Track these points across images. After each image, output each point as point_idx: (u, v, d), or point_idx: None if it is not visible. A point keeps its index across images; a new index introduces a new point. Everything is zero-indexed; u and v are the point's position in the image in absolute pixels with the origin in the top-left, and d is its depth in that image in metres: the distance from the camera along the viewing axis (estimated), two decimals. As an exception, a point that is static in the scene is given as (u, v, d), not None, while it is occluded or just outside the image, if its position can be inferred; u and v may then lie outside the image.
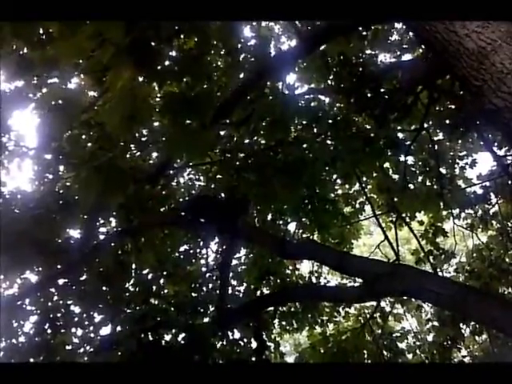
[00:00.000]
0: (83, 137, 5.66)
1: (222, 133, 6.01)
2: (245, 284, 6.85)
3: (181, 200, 6.20)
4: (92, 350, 3.90)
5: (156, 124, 5.72)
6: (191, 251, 6.69)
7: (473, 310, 3.02)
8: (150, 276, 6.16)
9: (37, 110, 4.12)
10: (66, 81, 4.39)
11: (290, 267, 7.13)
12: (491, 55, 2.36)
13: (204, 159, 5.79)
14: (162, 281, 6.25)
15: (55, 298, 5.75)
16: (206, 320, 4.69)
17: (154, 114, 4.03)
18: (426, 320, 6.85)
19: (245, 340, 6.17)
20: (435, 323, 6.62)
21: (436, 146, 6.65)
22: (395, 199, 6.66)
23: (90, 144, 5.58)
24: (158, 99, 4.43)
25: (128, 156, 5.80)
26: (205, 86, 3.87)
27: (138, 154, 6.07)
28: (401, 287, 3.29)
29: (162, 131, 4.80)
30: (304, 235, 6.67)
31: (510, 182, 6.59)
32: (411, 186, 6.73)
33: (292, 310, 6.74)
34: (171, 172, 6.28)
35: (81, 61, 3.32)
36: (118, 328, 4.35)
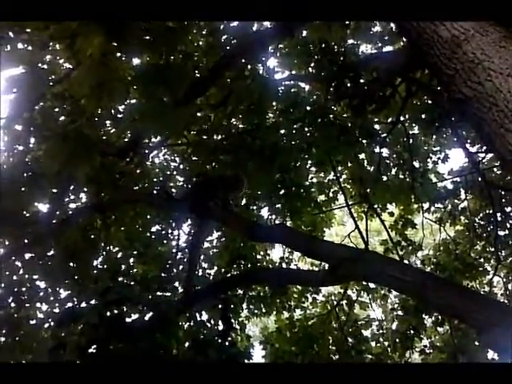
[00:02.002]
0: (56, 109, 5.53)
1: (199, 114, 5.96)
2: (215, 267, 6.87)
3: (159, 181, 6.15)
4: (54, 322, 3.85)
5: (133, 101, 5.63)
6: (163, 232, 6.66)
7: (432, 296, 3.10)
8: (119, 255, 6.12)
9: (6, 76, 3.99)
10: (37, 48, 4.25)
11: (261, 252, 7.18)
12: (464, 44, 2.38)
13: (179, 138, 5.73)
14: (131, 260, 6.22)
15: (21, 271, 5.65)
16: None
17: (128, 88, 3.96)
18: (391, 309, 7.01)
19: (212, 322, 6.22)
20: (399, 312, 6.78)
21: (411, 140, 6.75)
22: (368, 190, 6.74)
23: (62, 117, 5.46)
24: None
25: (102, 132, 5.70)
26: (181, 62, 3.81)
27: (113, 130, 5.97)
28: (363, 272, 3.35)
29: (137, 106, 4.72)
30: (277, 221, 6.71)
31: (479, 179, 6.74)
32: (384, 178, 6.82)
33: (261, 294, 6.80)
34: (146, 151, 6.20)
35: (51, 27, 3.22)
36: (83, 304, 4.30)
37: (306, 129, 5.88)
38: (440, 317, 6.62)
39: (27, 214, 5.06)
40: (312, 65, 6.33)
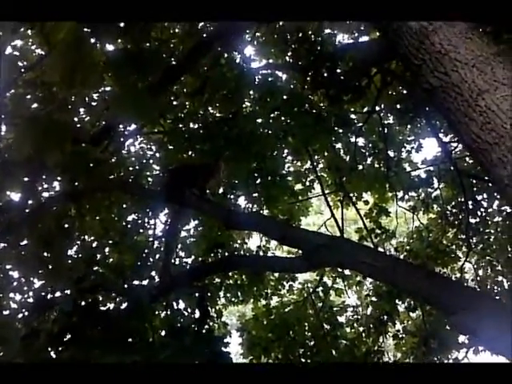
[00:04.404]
0: (28, 96, 5.42)
1: (175, 102, 5.93)
2: (193, 256, 6.88)
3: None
4: (27, 310, 3.83)
5: (108, 88, 5.56)
6: (139, 221, 6.63)
7: (402, 281, 3.20)
8: (94, 244, 6.08)
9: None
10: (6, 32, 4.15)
11: (239, 241, 7.22)
12: (431, 35, 2.44)
13: (155, 126, 5.70)
14: (107, 249, 6.17)
15: (-7, 261, 5.56)
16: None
17: (102, 74, 3.91)
18: (365, 295, 7.16)
19: (189, 310, 6.25)
20: (373, 298, 6.94)
21: (386, 130, 6.86)
22: (344, 179, 6.84)
23: (35, 105, 5.35)
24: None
25: (76, 119, 5.62)
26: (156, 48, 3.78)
27: (87, 118, 5.89)
28: (337, 258, 3.42)
29: (111, 93, 4.66)
30: (253, 210, 6.74)
31: (452, 168, 6.90)
32: (360, 167, 6.92)
33: (238, 282, 6.86)
34: (121, 139, 6.14)
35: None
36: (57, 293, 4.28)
37: (283, 118, 5.92)
38: (412, 302, 6.81)
39: (-1, 203, 4.97)
40: (289, 54, 6.35)
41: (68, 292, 3.67)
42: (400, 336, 7.15)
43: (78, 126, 5.18)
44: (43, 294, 4.40)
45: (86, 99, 5.67)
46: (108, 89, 5.50)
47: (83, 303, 3.30)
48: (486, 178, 6.82)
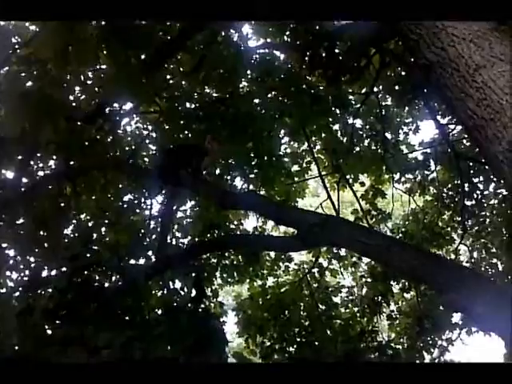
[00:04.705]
0: (22, 74, 5.35)
1: (171, 81, 5.87)
2: (189, 237, 6.90)
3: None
4: (22, 289, 3.85)
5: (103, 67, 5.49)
6: (135, 201, 6.62)
7: (395, 259, 3.21)
8: (90, 223, 6.08)
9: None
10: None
11: (235, 222, 7.22)
12: (429, 10, 2.40)
13: (151, 105, 5.64)
14: (103, 229, 6.17)
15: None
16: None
17: (96, 51, 3.85)
18: (360, 276, 7.22)
19: (185, 290, 6.29)
20: (368, 279, 6.99)
21: (383, 111, 6.81)
22: (341, 160, 6.82)
23: (30, 82, 5.29)
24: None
25: (71, 98, 5.56)
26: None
27: (83, 97, 5.82)
28: (331, 237, 3.43)
29: (106, 71, 4.60)
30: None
31: (449, 150, 6.88)
32: (357, 149, 6.90)
33: (234, 262, 6.89)
34: (117, 118, 6.09)
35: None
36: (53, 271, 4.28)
37: (280, 97, 5.87)
38: (407, 283, 6.86)
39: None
40: (287, 33, 6.26)
41: (64, 269, 3.66)
42: (394, 316, 7.23)
43: (73, 104, 5.13)
44: (39, 271, 4.41)
45: (82, 77, 5.60)
46: (103, 67, 5.44)
47: (79, 280, 3.30)
48: (483, 159, 6.83)
